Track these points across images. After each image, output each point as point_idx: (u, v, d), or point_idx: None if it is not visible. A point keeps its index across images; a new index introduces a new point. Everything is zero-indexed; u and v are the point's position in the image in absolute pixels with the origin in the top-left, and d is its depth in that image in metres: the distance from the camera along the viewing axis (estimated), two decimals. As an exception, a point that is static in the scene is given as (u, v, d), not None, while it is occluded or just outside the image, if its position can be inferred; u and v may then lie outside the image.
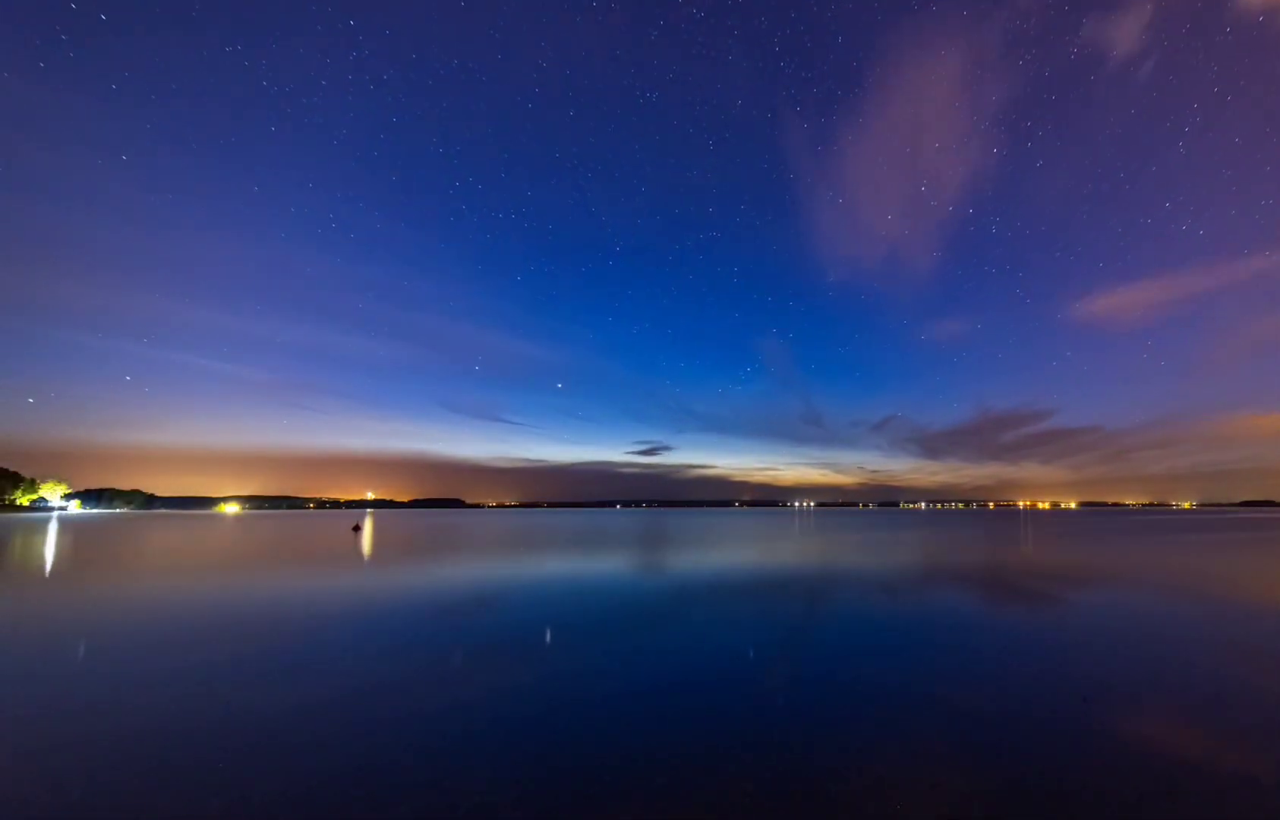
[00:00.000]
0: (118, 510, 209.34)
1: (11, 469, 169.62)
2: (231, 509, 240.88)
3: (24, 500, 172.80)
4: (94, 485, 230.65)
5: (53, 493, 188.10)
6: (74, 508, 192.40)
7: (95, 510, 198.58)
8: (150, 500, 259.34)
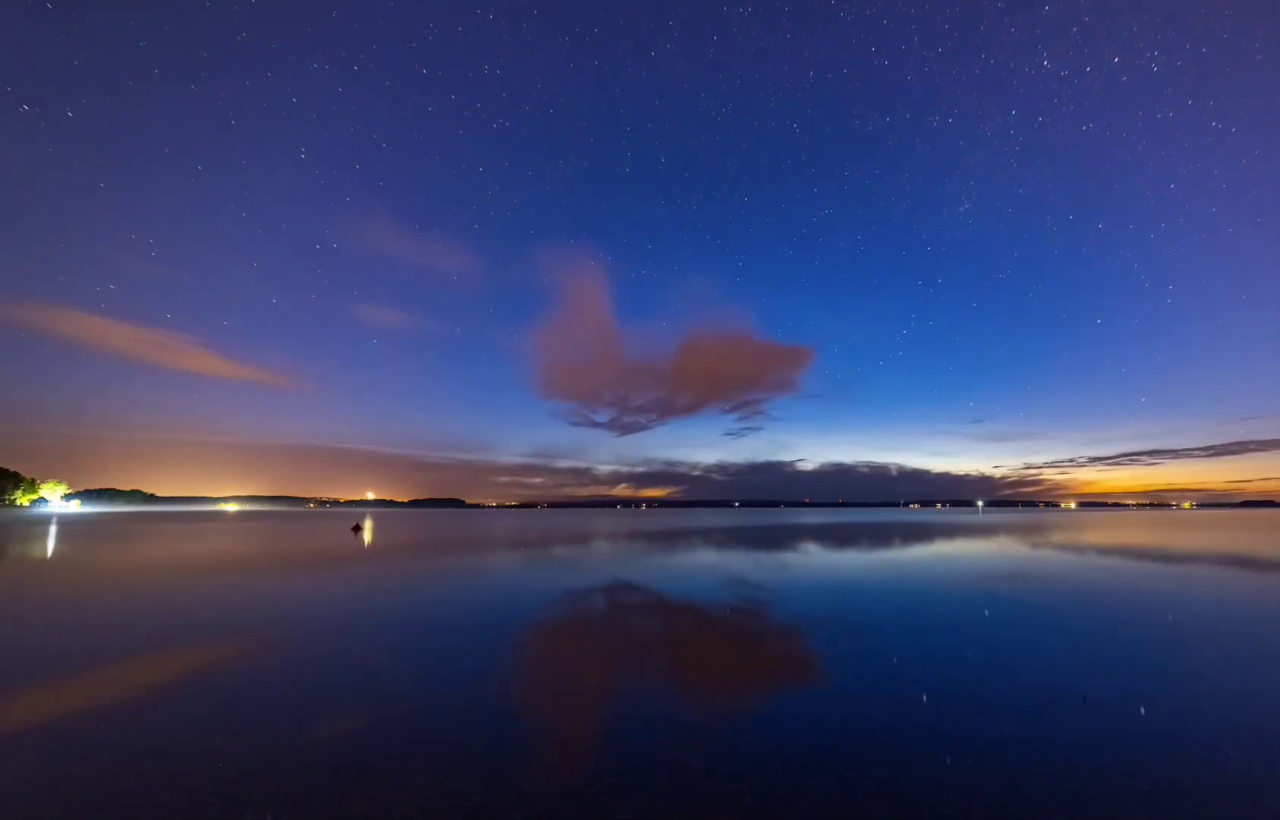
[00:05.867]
0: (118, 510, 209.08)
1: (11, 469, 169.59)
2: (231, 508, 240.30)
3: (24, 500, 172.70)
4: (94, 485, 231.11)
5: (53, 493, 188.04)
6: (74, 507, 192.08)
7: (95, 509, 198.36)
8: (150, 500, 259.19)
